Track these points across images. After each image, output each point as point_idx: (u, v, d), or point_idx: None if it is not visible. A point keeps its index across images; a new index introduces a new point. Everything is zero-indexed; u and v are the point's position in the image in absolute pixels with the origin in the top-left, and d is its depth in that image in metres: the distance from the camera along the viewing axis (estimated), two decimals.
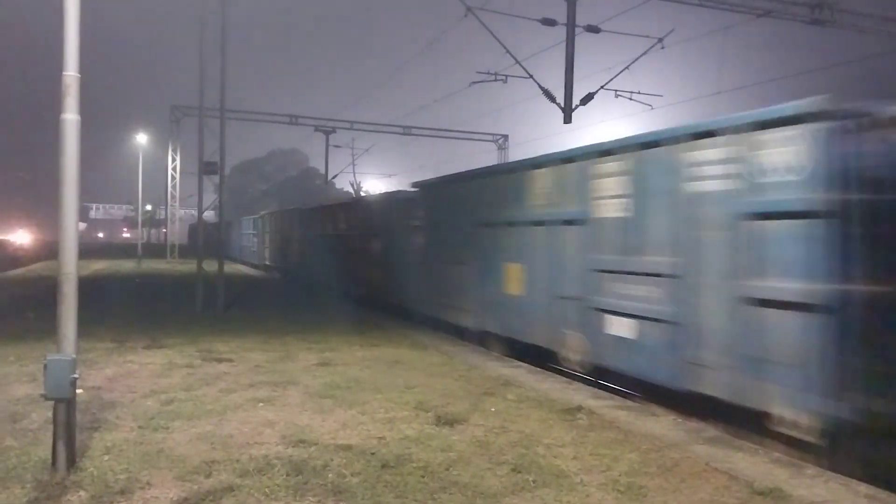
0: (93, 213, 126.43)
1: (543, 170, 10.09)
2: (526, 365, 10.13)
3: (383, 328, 13.79)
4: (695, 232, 7.16)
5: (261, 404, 7.26)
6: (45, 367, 5.03)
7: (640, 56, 20.56)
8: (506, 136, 45.53)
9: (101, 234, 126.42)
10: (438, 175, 14.97)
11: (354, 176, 51.93)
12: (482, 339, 11.74)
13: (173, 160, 42.48)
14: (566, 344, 9.32)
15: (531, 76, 20.21)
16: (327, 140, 44.73)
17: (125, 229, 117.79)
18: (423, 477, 5.18)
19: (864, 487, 5.14)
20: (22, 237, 53.09)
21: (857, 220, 5.68)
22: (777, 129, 6.27)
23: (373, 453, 5.67)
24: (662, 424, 6.90)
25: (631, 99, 22.25)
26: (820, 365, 5.79)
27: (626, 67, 20.75)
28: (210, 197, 29.92)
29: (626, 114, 24.42)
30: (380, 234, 17.65)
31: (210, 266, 17.56)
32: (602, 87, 20.96)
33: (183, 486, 4.93)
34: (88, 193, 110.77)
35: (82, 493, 4.75)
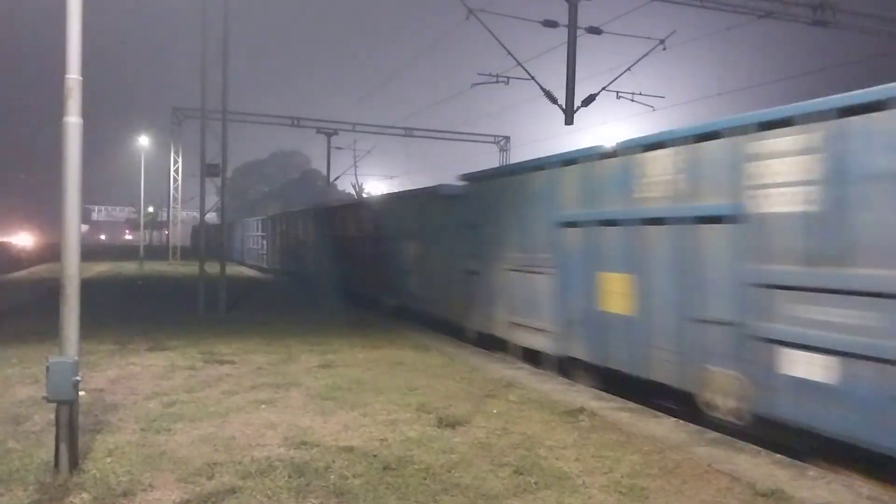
0: (95, 215, 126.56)
1: (662, 151, 7.78)
2: (528, 366, 10.13)
3: (385, 330, 13.78)
4: None
5: (263, 406, 7.27)
6: (48, 369, 5.03)
7: (642, 57, 20.56)
8: (507, 138, 45.57)
9: (103, 236, 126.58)
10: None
11: (356, 177, 52.01)
12: (563, 367, 9.54)
13: (175, 162, 42.54)
14: (710, 385, 7.04)
15: (533, 78, 20.21)
16: (329, 142, 44.79)
17: (127, 231, 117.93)
18: (424, 479, 5.18)
19: (866, 489, 5.13)
20: (24, 239, 53.18)
21: None
22: None
23: (375, 455, 5.68)
24: (664, 426, 6.89)
25: (633, 100, 22.24)
26: None
27: (628, 69, 20.75)
28: (212, 199, 30.04)
29: (627, 115, 24.42)
30: (416, 235, 15.43)
31: (212, 268, 17.57)
32: (604, 88, 20.96)
33: (185, 487, 4.93)
34: (90, 195, 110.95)
35: (85, 494, 4.76)
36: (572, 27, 19.18)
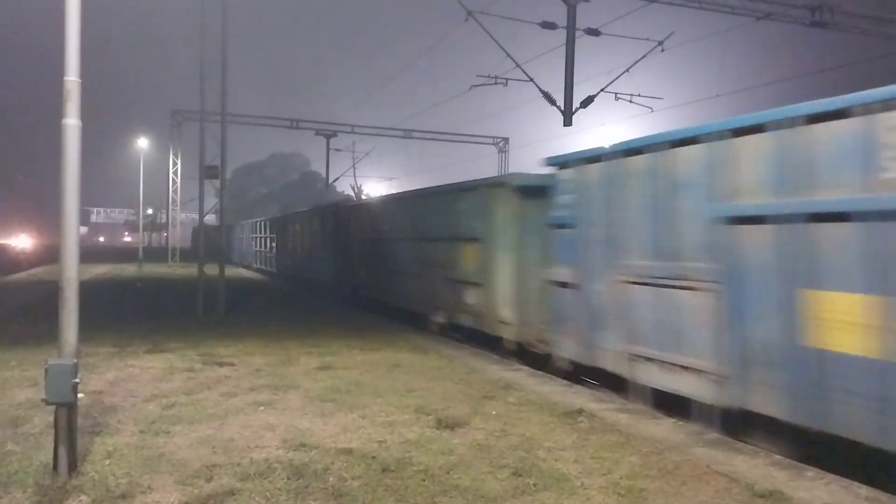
0: (94, 217, 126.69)
1: None
2: (526, 368, 10.13)
3: (383, 332, 13.79)
4: None
5: (261, 408, 7.27)
6: (47, 371, 5.04)
7: (641, 59, 20.61)
8: (506, 139, 45.61)
9: (102, 238, 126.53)
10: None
11: (355, 179, 52.00)
12: (729, 422, 6.84)
13: (174, 164, 42.52)
14: None
15: (531, 79, 20.24)
16: (328, 143, 44.78)
17: (126, 233, 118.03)
18: (423, 480, 5.18)
19: (864, 490, 5.13)
20: (23, 241, 53.17)
21: None
22: None
23: (373, 457, 5.68)
24: (663, 427, 6.90)
25: (631, 101, 22.31)
26: None
27: (627, 70, 20.81)
28: (211, 201, 30.04)
29: (626, 117, 24.49)
30: (475, 238, 12.27)
31: (211, 270, 17.57)
32: (602, 89, 21.01)
33: (184, 490, 4.93)
34: (90, 197, 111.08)
35: (84, 497, 4.76)
36: (571, 29, 19.21)
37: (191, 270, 27.09)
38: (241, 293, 22.05)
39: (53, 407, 5.11)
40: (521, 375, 9.56)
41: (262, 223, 38.20)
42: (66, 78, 5.18)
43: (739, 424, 6.70)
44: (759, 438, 6.56)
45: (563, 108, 19.53)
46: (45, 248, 45.43)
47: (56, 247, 5.50)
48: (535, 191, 10.55)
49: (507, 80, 21.38)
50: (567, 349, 9.28)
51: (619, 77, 20.86)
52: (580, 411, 7.28)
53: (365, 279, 18.95)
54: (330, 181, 49.43)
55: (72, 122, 5.21)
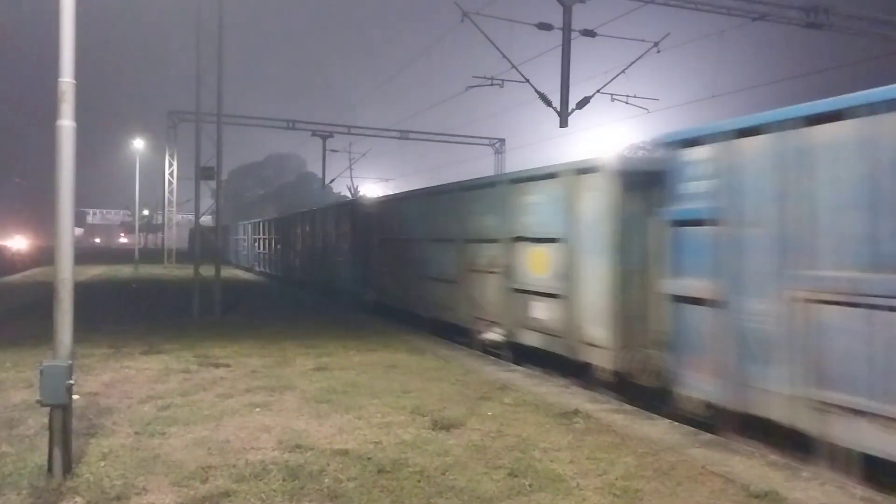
0: (90, 219, 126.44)
1: None
2: (522, 369, 10.13)
3: (381, 333, 13.77)
4: None
5: (257, 409, 7.26)
6: (41, 372, 5.03)
7: (636, 60, 20.65)
8: (503, 140, 45.65)
9: (98, 240, 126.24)
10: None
11: (352, 180, 52.04)
12: None
13: (170, 165, 42.49)
14: None
15: (527, 80, 20.27)
16: (324, 144, 44.79)
17: (122, 234, 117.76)
18: (419, 481, 5.18)
19: (860, 490, 5.15)
20: (19, 243, 53.04)
21: None
22: None
23: (369, 458, 5.68)
24: (659, 428, 6.90)
25: (627, 103, 22.35)
26: None
27: (623, 71, 20.85)
28: (208, 202, 30.00)
29: (622, 118, 24.54)
30: (553, 238, 9.74)
31: (210, 272, 17.55)
32: (598, 90, 21.05)
33: (179, 491, 4.93)
34: (85, 199, 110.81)
35: (78, 499, 4.76)
36: (566, 30, 19.23)
37: (187, 272, 26.94)
38: (238, 295, 22.01)
39: (48, 408, 5.11)
40: (518, 376, 9.57)
41: (266, 223, 36.07)
42: (60, 79, 5.18)
43: None
44: None
45: (559, 110, 19.56)
46: (41, 249, 45.30)
47: (52, 248, 5.49)
48: (642, 177, 8.37)
49: (503, 81, 21.40)
50: (699, 387, 6.96)
51: (615, 78, 20.91)
52: (576, 412, 7.28)
53: (391, 286, 16.49)
54: (326, 182, 49.42)
55: (66, 123, 5.20)
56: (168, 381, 8.67)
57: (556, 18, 19.44)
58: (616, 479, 5.31)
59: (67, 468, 5.14)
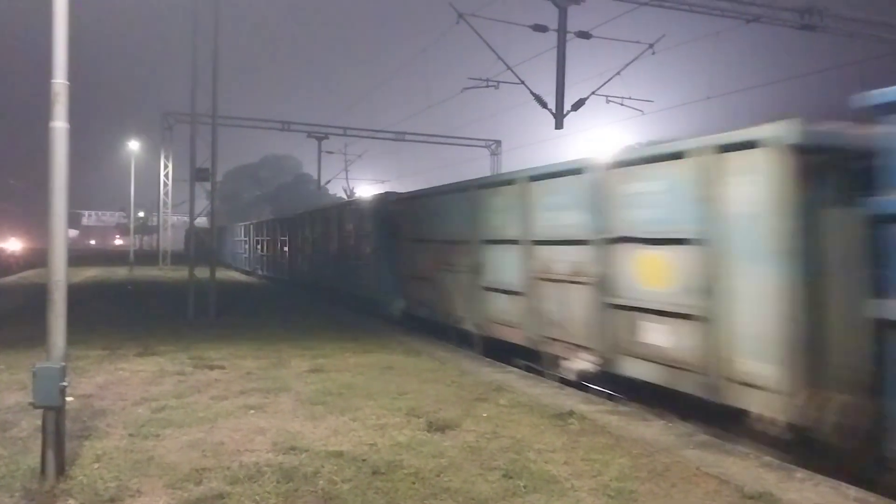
0: (85, 220, 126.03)
1: None
2: (518, 370, 10.12)
3: (377, 334, 13.75)
4: None
5: (252, 411, 7.24)
6: (34, 374, 5.03)
7: (631, 62, 20.71)
8: (498, 142, 45.69)
9: (93, 241, 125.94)
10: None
11: (347, 182, 52.01)
12: None
13: (165, 167, 42.42)
14: None
15: (523, 82, 20.32)
16: (320, 146, 44.80)
17: (117, 236, 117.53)
18: (413, 483, 5.18)
19: (853, 491, 5.15)
20: (14, 245, 52.92)
21: None
22: None
23: (364, 460, 5.67)
24: (653, 429, 6.91)
25: (622, 104, 22.42)
26: None
27: (618, 73, 20.94)
28: (203, 203, 29.96)
29: (617, 119, 24.60)
30: (700, 239, 7.07)
31: (204, 273, 17.53)
32: (593, 92, 21.11)
33: (173, 493, 4.92)
34: (81, 200, 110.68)
35: (71, 501, 4.75)
36: (562, 32, 19.28)
37: (182, 273, 26.97)
38: (232, 296, 21.97)
39: (41, 410, 5.10)
40: (513, 377, 9.56)
41: (270, 224, 33.47)
42: (53, 80, 5.17)
43: None
44: None
45: (554, 111, 19.59)
46: (36, 251, 45.20)
47: (45, 250, 5.48)
48: (830, 156, 6.17)
49: (498, 82, 21.45)
50: None
51: (610, 80, 20.99)
52: (571, 413, 7.28)
53: (428, 295, 13.84)
54: (322, 183, 49.43)
55: (59, 124, 5.20)
56: (162, 383, 8.65)
57: (552, 20, 19.51)
58: (610, 480, 5.31)
59: (61, 470, 5.13)
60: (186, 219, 27.70)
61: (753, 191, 6.45)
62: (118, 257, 52.59)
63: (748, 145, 6.52)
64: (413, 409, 7.38)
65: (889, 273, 5.28)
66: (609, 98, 22.06)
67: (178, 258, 43.73)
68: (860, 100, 5.56)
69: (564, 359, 9.20)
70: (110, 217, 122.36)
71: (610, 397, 8.40)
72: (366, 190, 52.88)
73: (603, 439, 6.43)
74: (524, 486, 5.15)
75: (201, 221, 30.51)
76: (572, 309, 9.11)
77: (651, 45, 20.53)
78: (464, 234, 12.21)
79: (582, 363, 8.84)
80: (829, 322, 6.00)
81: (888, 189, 5.30)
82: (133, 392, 8.06)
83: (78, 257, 47.72)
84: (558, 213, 9.50)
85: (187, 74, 16.99)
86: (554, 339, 9.46)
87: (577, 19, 20.43)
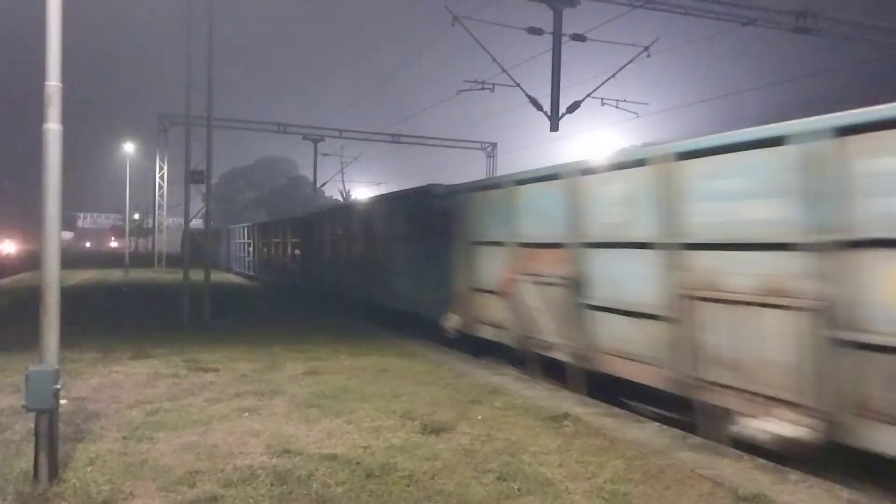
0: (80, 223, 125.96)
1: None
2: (513, 373, 10.12)
3: (372, 337, 13.74)
4: None
5: (246, 414, 7.23)
6: (27, 377, 5.01)
7: (626, 64, 20.75)
8: (494, 144, 45.75)
9: (88, 244, 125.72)
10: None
11: (343, 184, 52.04)
12: None
13: (161, 169, 42.36)
14: None
15: (518, 85, 20.36)
16: (315, 148, 44.84)
17: (113, 238, 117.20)
18: (408, 486, 5.17)
19: (846, 493, 5.16)
20: (8, 247, 52.78)
21: None
22: None
23: (358, 462, 5.67)
24: (648, 431, 6.91)
25: (617, 107, 22.48)
26: None
27: (613, 76, 20.98)
28: (198, 205, 29.90)
29: (612, 122, 24.65)
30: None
31: (198, 275, 17.49)
32: (588, 95, 21.16)
33: (167, 496, 4.90)
34: (76, 203, 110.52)
35: None
36: (557, 34, 19.32)
37: (177, 276, 26.83)
38: (227, 298, 21.93)
39: (34, 413, 5.08)
40: (508, 380, 9.55)
41: (283, 224, 29.90)
42: (47, 83, 5.16)
43: None
44: None
45: (549, 114, 19.62)
46: (31, 253, 45.07)
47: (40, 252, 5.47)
48: None
49: (493, 85, 21.49)
50: None
51: (605, 82, 21.05)
52: (565, 416, 7.28)
53: (500, 316, 10.61)
54: (318, 186, 49.42)
55: (53, 126, 5.18)
56: (157, 385, 8.63)
57: (547, 23, 19.56)
58: (605, 482, 5.31)
59: (54, 473, 5.11)
60: (182, 221, 27.58)
61: None
62: (114, 260, 52.44)
63: None
64: (407, 411, 7.38)
65: None
66: (604, 100, 22.13)
67: (173, 261, 43.61)
68: None
69: (746, 415, 6.41)
70: (106, 219, 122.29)
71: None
72: (362, 192, 52.91)
73: (597, 441, 6.43)
74: (518, 489, 5.15)
75: (197, 224, 30.29)
76: (764, 344, 6.25)
77: (646, 48, 20.58)
78: (555, 234, 9.23)
79: (782, 425, 6.02)
80: None
81: None
82: (127, 395, 8.04)
83: (73, 260, 47.68)
84: (733, 203, 6.57)
85: (182, 77, 17.00)
86: (724, 386, 6.63)
87: (573, 22, 20.50)
